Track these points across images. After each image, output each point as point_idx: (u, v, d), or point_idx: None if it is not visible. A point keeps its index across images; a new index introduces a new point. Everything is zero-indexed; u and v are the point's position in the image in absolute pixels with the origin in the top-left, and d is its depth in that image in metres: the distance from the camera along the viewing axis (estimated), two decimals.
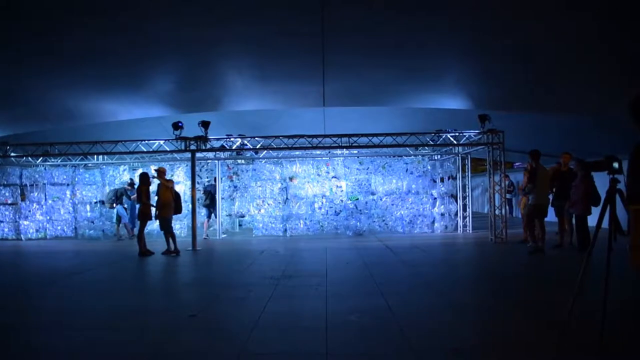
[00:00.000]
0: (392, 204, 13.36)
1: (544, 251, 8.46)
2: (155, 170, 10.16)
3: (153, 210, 9.57)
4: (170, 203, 9.58)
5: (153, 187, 10.07)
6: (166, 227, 9.57)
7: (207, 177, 13.77)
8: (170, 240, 9.52)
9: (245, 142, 11.98)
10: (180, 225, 12.87)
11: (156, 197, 9.62)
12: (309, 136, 11.39)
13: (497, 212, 11.03)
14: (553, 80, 8.58)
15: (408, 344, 3.74)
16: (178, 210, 9.90)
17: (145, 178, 9.70)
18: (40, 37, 6.84)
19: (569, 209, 8.68)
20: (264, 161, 13.76)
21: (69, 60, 7.79)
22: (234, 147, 12.17)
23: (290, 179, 13.32)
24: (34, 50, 7.32)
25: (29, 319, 4.85)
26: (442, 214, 13.44)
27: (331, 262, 8.15)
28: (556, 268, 7.56)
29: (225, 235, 13.42)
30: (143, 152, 12.19)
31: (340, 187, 13.41)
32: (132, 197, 12.46)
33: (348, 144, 11.44)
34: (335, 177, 13.40)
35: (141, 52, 7.69)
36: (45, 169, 13.82)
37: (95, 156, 13.25)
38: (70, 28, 6.61)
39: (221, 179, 13.55)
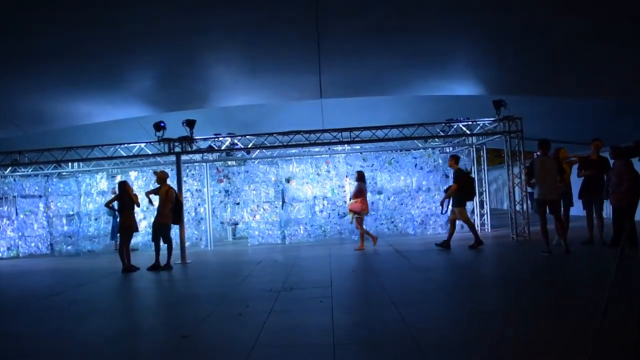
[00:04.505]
0: (401, 204, 13.36)
1: (551, 251, 8.31)
2: (154, 172, 10.24)
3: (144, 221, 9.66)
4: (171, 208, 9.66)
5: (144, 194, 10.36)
6: (164, 236, 9.61)
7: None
8: (165, 253, 9.54)
9: (236, 141, 11.98)
10: None
11: (157, 203, 9.81)
12: (306, 132, 11.38)
13: (517, 207, 11.03)
14: (574, 60, 8.57)
15: None
16: (176, 219, 9.95)
17: (125, 186, 9.72)
18: (3, 33, 6.84)
19: (613, 203, 8.31)
20: (257, 162, 13.76)
21: (37, 57, 7.79)
22: (223, 148, 12.17)
23: (288, 180, 13.33)
24: None
25: (3, 346, 4.84)
26: None
27: (336, 271, 8.16)
28: (586, 267, 7.57)
29: (218, 244, 13.44)
30: (122, 156, 12.18)
31: (343, 186, 13.41)
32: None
33: (349, 139, 11.43)
34: (336, 175, 13.42)
35: (116, 46, 7.70)
36: (14, 179, 13.82)
37: (70, 163, 13.25)
38: (38, 22, 6.61)
39: (210, 183, 13.56)
